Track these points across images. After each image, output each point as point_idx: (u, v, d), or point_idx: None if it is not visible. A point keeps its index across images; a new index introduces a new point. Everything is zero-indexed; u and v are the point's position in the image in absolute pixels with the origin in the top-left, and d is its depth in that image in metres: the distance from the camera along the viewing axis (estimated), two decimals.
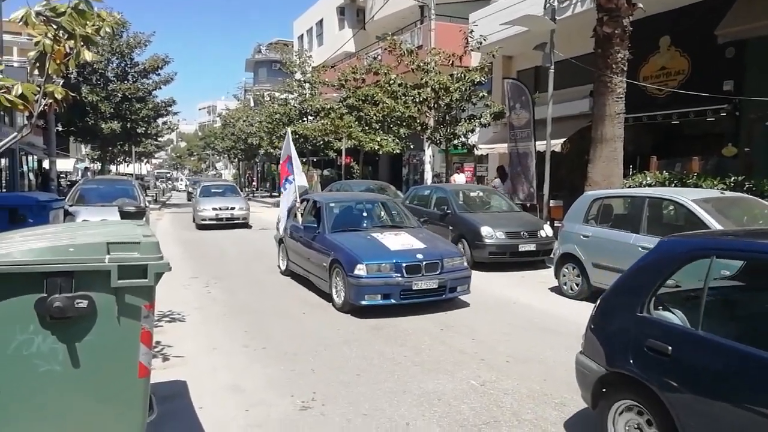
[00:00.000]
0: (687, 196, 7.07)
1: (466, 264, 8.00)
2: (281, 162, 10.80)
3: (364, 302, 7.16)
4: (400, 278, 7.21)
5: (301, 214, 9.62)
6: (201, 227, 18.10)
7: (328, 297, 7.95)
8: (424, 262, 7.38)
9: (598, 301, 3.87)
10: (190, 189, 33.82)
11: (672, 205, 7.50)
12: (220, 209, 18.23)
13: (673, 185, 10.53)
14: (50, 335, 2.97)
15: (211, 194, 19.88)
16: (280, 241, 10.34)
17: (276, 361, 5.64)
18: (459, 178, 18.78)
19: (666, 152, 13.42)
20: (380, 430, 4.12)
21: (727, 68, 12.09)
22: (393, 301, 7.22)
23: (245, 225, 18.50)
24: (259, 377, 5.20)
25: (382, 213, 9.73)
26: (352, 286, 7.18)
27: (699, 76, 12.69)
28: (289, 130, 11.44)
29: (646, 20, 12.35)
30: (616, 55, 10.58)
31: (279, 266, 10.35)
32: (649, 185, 11.02)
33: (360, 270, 7.18)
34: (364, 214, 9.52)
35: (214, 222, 17.96)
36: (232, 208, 18.33)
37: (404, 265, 7.27)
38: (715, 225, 6.44)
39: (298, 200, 9.78)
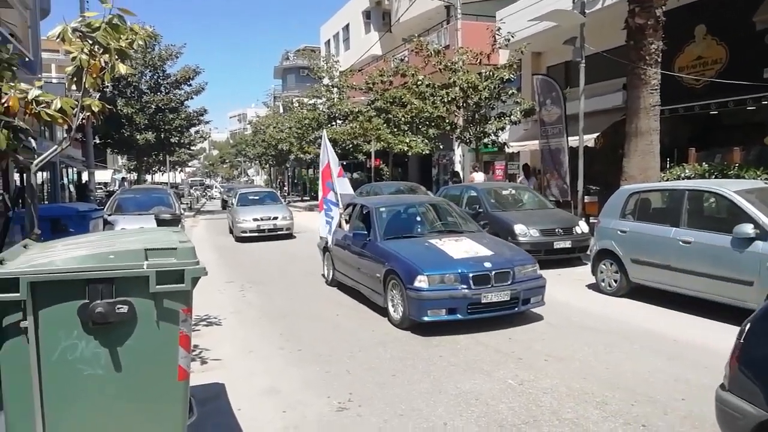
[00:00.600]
0: (729, 188, 6.85)
1: (539, 272, 7.06)
2: (321, 168, 10.01)
3: (426, 318, 6.38)
4: (466, 290, 6.38)
5: (346, 221, 9.10)
6: (240, 239, 16.47)
7: (373, 306, 7.62)
8: (494, 272, 6.55)
9: (748, 325, 3.15)
10: (225, 197, 32.50)
11: (713, 197, 7.28)
12: (262, 220, 16.49)
13: (713, 177, 10.23)
14: (93, 340, 3.05)
15: (250, 203, 18.28)
16: (325, 250, 9.62)
17: (311, 363, 5.67)
18: (478, 177, 17.29)
19: (705, 144, 13.07)
20: (417, 430, 4.09)
21: (767, 55, 11.70)
22: (459, 316, 6.39)
23: (289, 236, 16.89)
24: (296, 379, 5.23)
25: (438, 217, 8.80)
26: (412, 300, 6.42)
27: (737, 64, 12.32)
28: (324, 133, 10.38)
29: (680, 9, 12.08)
30: (650, 47, 10.35)
31: (324, 275, 9.73)
32: (688, 178, 10.74)
33: (421, 282, 6.39)
34: (418, 218, 8.68)
35: (256, 234, 16.31)
36: (275, 218, 16.62)
37: (471, 275, 6.44)
38: (760, 217, 6.23)
39: (341, 206, 9.24)
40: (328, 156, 9.77)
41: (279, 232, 16.52)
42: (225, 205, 29.43)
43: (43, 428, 2.97)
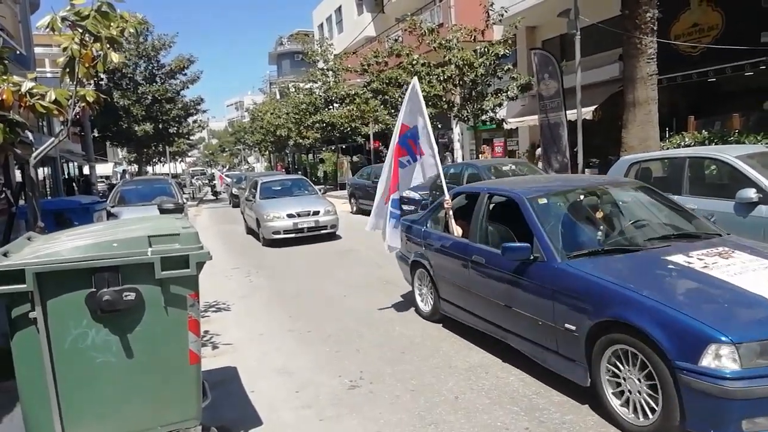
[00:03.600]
0: (730, 153, 6.82)
1: None
2: (397, 133, 6.56)
3: None
4: None
5: (454, 220, 5.86)
6: (271, 243, 12.37)
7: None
8: None
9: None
10: (235, 189, 25.17)
11: (714, 163, 7.24)
12: (299, 215, 12.39)
13: (713, 144, 10.19)
14: (103, 328, 3.08)
15: (278, 194, 14.11)
16: (416, 265, 6.36)
17: (321, 343, 5.71)
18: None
19: (704, 111, 13.01)
20: (429, 404, 4.14)
21: (765, 19, 11.59)
22: None
23: (333, 235, 12.85)
24: (307, 360, 5.28)
25: (642, 213, 5.00)
26: (697, 397, 3.13)
27: (734, 29, 12.21)
28: (416, 80, 6.78)
29: None
30: (645, 15, 10.24)
31: (419, 305, 6.37)
32: (688, 146, 10.70)
33: (721, 357, 3.09)
34: (616, 219, 4.98)
35: (292, 236, 12.25)
36: (316, 212, 12.58)
37: None
38: (762, 181, 6.21)
39: (448, 196, 6.01)
40: (423, 117, 6.49)
41: (322, 231, 12.55)
42: (235, 201, 23.33)
43: (60, 416, 3.01)
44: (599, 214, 4.87)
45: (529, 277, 4.34)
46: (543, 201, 4.84)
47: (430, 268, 6.01)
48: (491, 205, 5.44)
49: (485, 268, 4.95)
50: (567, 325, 3.94)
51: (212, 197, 34.48)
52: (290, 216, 12.38)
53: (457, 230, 5.74)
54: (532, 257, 4.30)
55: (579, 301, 3.87)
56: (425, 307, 6.28)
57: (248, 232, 14.68)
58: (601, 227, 4.77)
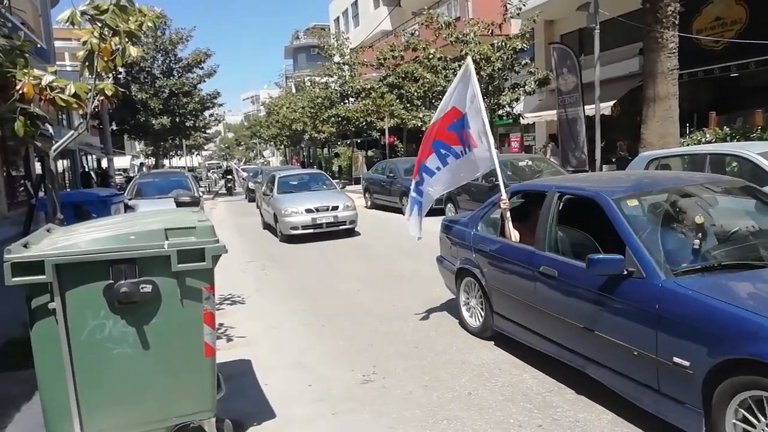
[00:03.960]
0: (752, 150, 6.71)
1: None
2: (441, 115, 5.93)
3: None
4: None
5: (503, 221, 5.22)
6: (290, 239, 12.17)
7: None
8: None
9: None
10: (251, 183, 24.53)
11: (736, 160, 7.13)
12: (318, 210, 12.20)
13: (735, 141, 10.02)
14: (120, 320, 3.11)
15: (295, 188, 13.99)
16: (462, 273, 5.68)
17: (335, 337, 5.73)
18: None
19: (725, 107, 12.79)
20: (442, 400, 4.13)
21: None
22: None
23: (352, 231, 12.63)
24: (320, 354, 5.29)
25: (754, 219, 4.20)
26: None
27: (758, 24, 11.98)
28: (470, 60, 6.11)
29: None
30: (666, 9, 10.09)
31: (465, 320, 5.67)
32: (709, 142, 10.54)
33: None
34: (723, 226, 4.08)
35: (311, 231, 12.07)
36: (335, 207, 12.34)
37: None
38: None
39: (504, 194, 5.27)
40: (477, 103, 5.65)
41: (341, 227, 12.32)
42: (251, 195, 23.21)
43: (77, 406, 3.05)
44: (699, 220, 3.83)
45: (621, 295, 3.53)
46: (633, 203, 4.02)
47: (482, 277, 5.22)
48: (560, 207, 4.55)
49: (558, 281, 4.13)
50: (676, 360, 3.10)
51: (225, 192, 30.44)
52: (308, 211, 12.16)
53: (514, 235, 5.02)
54: (625, 272, 3.51)
55: (695, 331, 3.03)
56: (473, 321, 5.51)
57: (265, 227, 14.55)
58: (708, 236, 3.84)
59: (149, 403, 3.20)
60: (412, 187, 6.13)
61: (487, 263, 5.20)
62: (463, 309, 5.70)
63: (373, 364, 4.91)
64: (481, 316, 5.37)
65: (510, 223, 5.09)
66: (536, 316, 4.44)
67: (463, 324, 5.72)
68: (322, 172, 17.05)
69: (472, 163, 5.83)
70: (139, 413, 3.20)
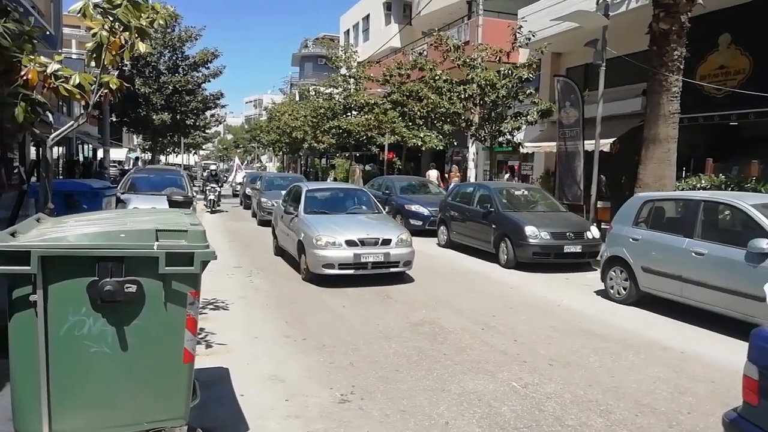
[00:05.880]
0: (746, 201, 6.75)
1: None
2: None
3: None
4: None
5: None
6: (319, 279, 8.87)
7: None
8: None
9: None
10: (248, 189, 21.43)
11: (729, 209, 7.17)
12: (363, 244, 8.79)
13: (729, 189, 10.10)
14: (101, 318, 3.05)
15: (328, 207, 10.42)
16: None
17: (316, 352, 5.66)
18: (432, 174, 22.31)
19: (722, 155, 12.89)
20: (419, 427, 4.07)
21: None
22: None
23: (402, 276, 9.33)
24: (299, 368, 5.23)
25: None
26: None
27: (761, 75, 12.12)
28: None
29: (705, 17, 11.90)
30: (673, 53, 10.20)
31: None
32: (704, 188, 10.62)
33: None
34: None
35: (352, 272, 8.75)
36: (386, 242, 8.92)
37: None
38: None
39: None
40: None
41: (391, 269, 9.00)
42: (246, 202, 20.47)
43: (48, 401, 2.98)
44: None
45: None
46: None
47: None
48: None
49: None
50: None
51: (206, 206, 21.68)
52: (351, 244, 8.72)
53: None
54: None
55: None
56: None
57: (278, 252, 11.39)
58: None
59: (122, 406, 3.13)
60: None
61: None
62: None
63: (352, 383, 4.85)
64: None
65: None
66: None
67: None
68: (364, 189, 12.54)
69: None
70: (111, 415, 3.12)
